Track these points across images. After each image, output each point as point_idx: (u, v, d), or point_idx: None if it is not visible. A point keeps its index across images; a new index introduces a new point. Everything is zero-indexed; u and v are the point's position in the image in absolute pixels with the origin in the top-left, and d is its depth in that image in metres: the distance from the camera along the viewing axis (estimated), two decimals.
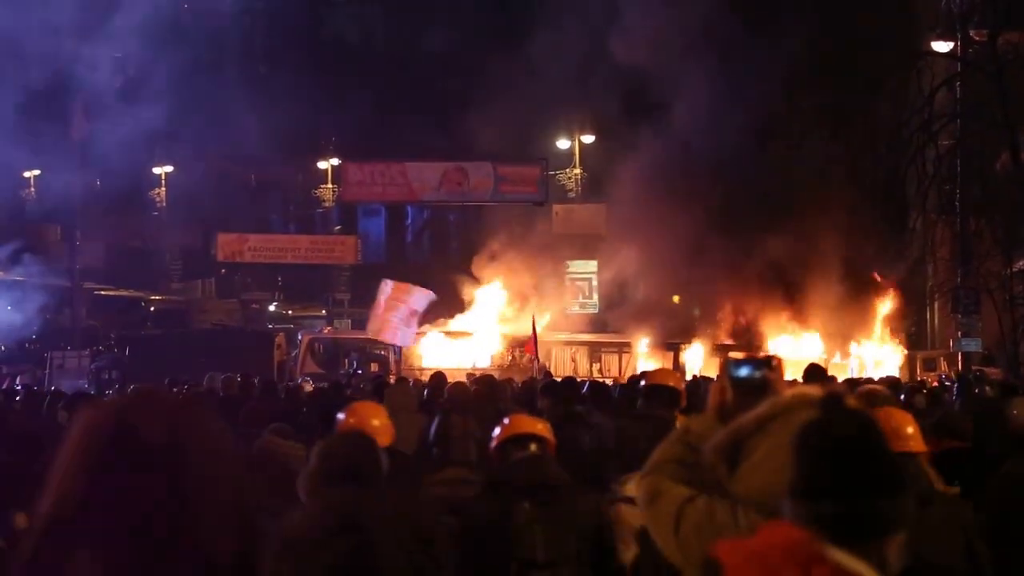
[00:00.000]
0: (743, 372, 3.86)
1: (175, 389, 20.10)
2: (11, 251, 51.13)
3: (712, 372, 33.40)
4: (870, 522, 2.72)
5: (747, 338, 43.96)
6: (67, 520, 2.37)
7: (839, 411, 3.02)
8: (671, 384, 9.71)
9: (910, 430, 6.54)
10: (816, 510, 2.73)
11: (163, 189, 65.06)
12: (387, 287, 37.01)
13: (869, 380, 20.71)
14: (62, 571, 2.34)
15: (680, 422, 9.05)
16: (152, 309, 63.73)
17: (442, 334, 43.06)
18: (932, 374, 39.17)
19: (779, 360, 3.96)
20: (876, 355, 43.34)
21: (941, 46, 38.52)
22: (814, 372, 13.69)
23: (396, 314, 36.54)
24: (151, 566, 2.35)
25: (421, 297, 37.45)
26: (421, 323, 39.35)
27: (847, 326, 44.12)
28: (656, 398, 9.57)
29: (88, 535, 2.36)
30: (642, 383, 10.94)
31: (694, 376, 29.96)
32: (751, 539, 2.68)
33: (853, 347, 44.11)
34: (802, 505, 2.76)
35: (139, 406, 2.49)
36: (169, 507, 2.38)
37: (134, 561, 2.35)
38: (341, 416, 7.67)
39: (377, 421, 7.45)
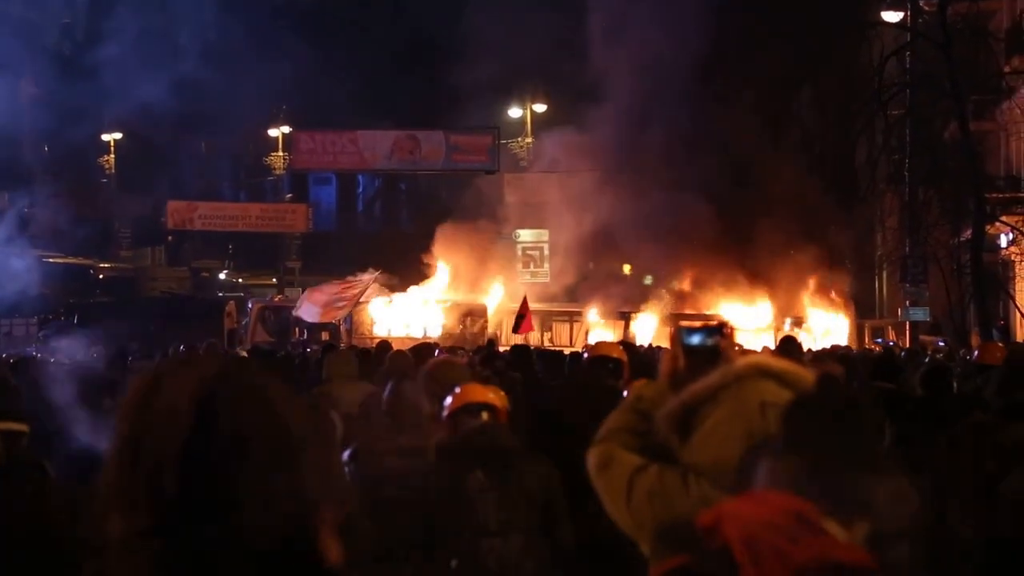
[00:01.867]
0: (695, 340, 3.86)
1: (128, 359, 19.90)
2: None
3: (663, 341, 33.56)
4: (850, 491, 2.74)
5: (697, 306, 44.15)
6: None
7: (837, 386, 3.08)
8: (615, 356, 9.76)
9: None
10: (799, 468, 2.75)
11: (112, 156, 64.58)
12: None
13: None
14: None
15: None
16: (101, 277, 63.32)
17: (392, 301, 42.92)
18: (880, 343, 39.47)
19: (731, 328, 3.97)
20: (825, 324, 43.62)
21: (891, 16, 38.65)
22: (788, 346, 13.70)
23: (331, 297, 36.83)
24: (188, 536, 2.36)
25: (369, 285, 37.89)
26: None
27: (797, 294, 44.42)
28: (600, 369, 9.62)
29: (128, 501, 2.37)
30: (585, 355, 11.02)
31: (650, 344, 30.09)
32: (748, 508, 2.63)
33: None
34: (784, 464, 2.78)
35: (173, 371, 2.48)
36: (203, 472, 2.37)
37: (169, 524, 2.36)
38: None
39: None
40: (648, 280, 48.60)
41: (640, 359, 13.97)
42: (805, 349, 18.01)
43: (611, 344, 11.08)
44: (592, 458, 3.87)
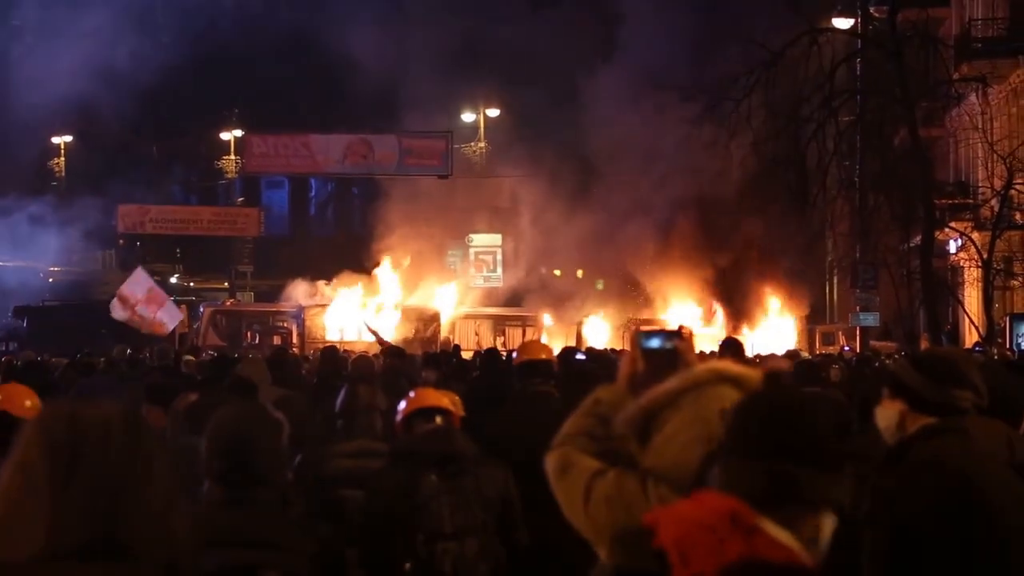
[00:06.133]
0: (653, 343, 3.88)
1: (78, 357, 19.73)
2: None
3: (615, 345, 33.66)
4: (799, 489, 2.75)
5: (651, 310, 44.34)
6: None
7: (780, 386, 3.09)
8: (544, 357, 9.67)
9: None
10: (750, 468, 2.76)
11: (62, 159, 64.20)
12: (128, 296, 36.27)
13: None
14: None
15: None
16: (51, 280, 62.89)
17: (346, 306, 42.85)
18: (831, 348, 39.68)
19: (688, 331, 4.00)
20: (776, 327, 43.88)
21: (842, 22, 38.92)
22: (731, 346, 13.72)
23: (145, 308, 35.93)
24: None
25: (138, 281, 36.85)
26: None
27: (747, 299, 44.68)
28: (533, 374, 9.51)
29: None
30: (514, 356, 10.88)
31: (605, 349, 30.10)
32: (685, 510, 2.70)
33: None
34: (735, 465, 2.79)
35: (82, 417, 2.53)
36: (107, 513, 2.42)
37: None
38: None
39: (29, 402, 7.30)
40: (600, 285, 48.76)
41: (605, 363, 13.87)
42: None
43: (540, 345, 10.93)
44: (550, 462, 3.88)
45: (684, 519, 2.62)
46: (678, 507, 2.74)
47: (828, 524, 2.78)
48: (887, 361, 21.18)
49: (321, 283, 44.84)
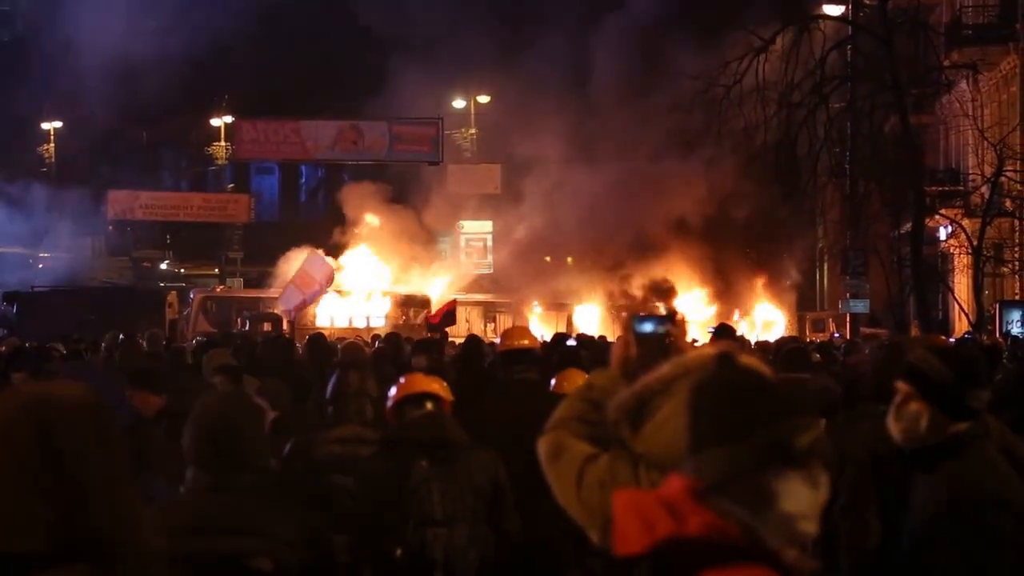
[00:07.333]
0: (647, 327, 3.88)
1: (70, 345, 19.65)
2: None
3: (603, 332, 33.69)
4: (785, 448, 2.72)
5: (646, 297, 44.37)
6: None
7: (726, 368, 3.06)
8: (527, 343, 9.62)
9: None
10: (697, 463, 2.75)
11: (52, 145, 64.06)
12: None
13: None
14: None
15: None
16: (41, 266, 62.78)
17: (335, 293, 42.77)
18: (821, 334, 39.73)
19: (682, 316, 3.99)
20: (767, 316, 43.94)
21: (832, 9, 38.92)
22: (723, 332, 13.77)
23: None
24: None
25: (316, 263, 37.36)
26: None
27: (739, 287, 44.74)
28: (517, 361, 9.46)
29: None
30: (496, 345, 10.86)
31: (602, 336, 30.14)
32: (636, 493, 2.75)
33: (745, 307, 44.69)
34: (690, 461, 2.79)
35: (50, 406, 2.49)
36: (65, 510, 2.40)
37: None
38: None
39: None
40: (588, 271, 48.79)
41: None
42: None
43: (524, 330, 10.88)
44: (543, 447, 3.88)
45: (630, 500, 2.69)
46: (631, 491, 2.80)
47: (823, 485, 2.75)
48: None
49: (321, 252, 44.73)
